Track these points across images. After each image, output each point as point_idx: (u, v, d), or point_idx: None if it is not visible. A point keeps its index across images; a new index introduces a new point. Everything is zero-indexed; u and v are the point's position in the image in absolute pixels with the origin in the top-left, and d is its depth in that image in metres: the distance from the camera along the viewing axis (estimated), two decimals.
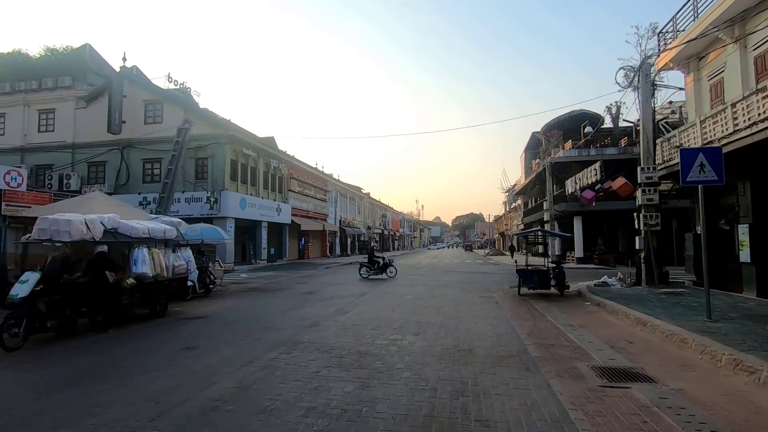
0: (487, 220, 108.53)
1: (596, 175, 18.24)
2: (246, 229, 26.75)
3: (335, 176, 47.81)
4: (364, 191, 66.70)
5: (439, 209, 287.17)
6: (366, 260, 18.56)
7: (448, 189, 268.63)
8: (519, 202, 50.69)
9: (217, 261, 15.58)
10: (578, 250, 27.30)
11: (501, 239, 67.54)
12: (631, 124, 28.39)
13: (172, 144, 16.53)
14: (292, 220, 30.84)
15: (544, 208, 27.86)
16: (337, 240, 42.93)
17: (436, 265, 28.02)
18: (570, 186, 21.98)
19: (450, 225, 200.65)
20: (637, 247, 13.32)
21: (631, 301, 9.82)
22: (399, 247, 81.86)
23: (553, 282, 11.92)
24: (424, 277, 18.98)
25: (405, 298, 11.74)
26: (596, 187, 21.04)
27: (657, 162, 13.39)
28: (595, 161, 21.79)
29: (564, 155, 27.08)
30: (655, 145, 13.51)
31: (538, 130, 36.81)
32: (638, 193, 13.15)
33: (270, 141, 32.51)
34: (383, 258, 18.84)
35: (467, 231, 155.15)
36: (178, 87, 25.71)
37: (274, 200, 29.04)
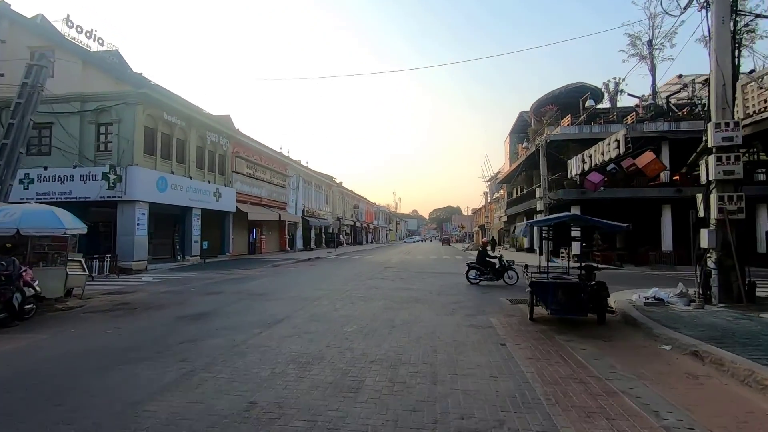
0: (465, 213, 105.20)
1: (617, 148, 13.85)
2: (172, 218, 21.37)
3: (304, 163, 42.56)
4: (336, 180, 61.71)
5: (416, 202, 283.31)
6: (474, 261, 13.83)
7: (426, 181, 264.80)
8: (502, 192, 46.64)
9: (78, 261, 10.39)
10: (575, 246, 23.11)
11: (480, 232, 63.70)
12: (638, 98, 24.40)
13: (19, 87, 11.15)
14: (237, 208, 25.57)
15: (537, 195, 23.55)
16: (299, 232, 37.77)
17: (408, 263, 23.38)
18: (575, 166, 17.65)
19: (427, 218, 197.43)
20: (703, 244, 8.90)
21: (748, 343, 5.35)
22: (373, 240, 77.21)
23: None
24: (390, 281, 14.24)
25: (343, 331, 6.92)
26: (609, 168, 16.79)
27: (738, 115, 8.98)
28: (599, 139, 17.57)
29: (562, 132, 22.77)
30: (734, 89, 9.09)
31: (527, 109, 32.57)
32: (709, 162, 8.71)
33: (224, 120, 27.11)
34: (500, 258, 13.82)
35: (444, 224, 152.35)
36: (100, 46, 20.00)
37: (212, 182, 23.69)
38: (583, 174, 17.34)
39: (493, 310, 8.84)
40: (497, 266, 13.40)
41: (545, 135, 22.12)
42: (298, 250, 36.94)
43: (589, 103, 23.00)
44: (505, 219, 43.19)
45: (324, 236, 45.64)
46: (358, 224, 62.63)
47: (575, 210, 22.99)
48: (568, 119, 23.49)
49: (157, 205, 19.04)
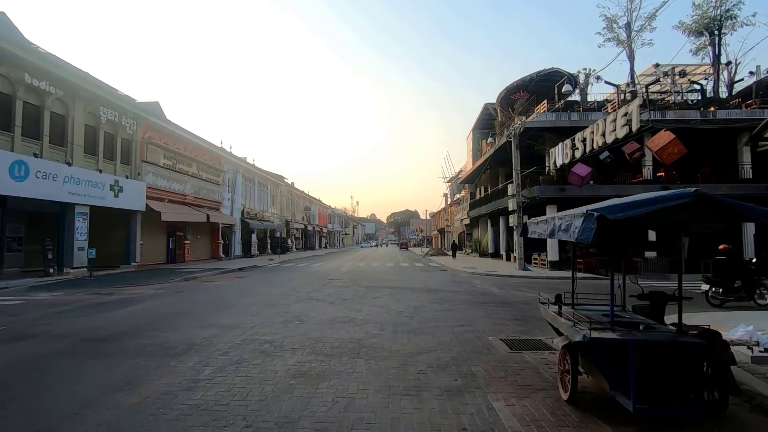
0: (423, 217, 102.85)
1: (626, 125, 10.63)
2: (43, 217, 16.18)
3: (251, 161, 37.54)
4: (288, 180, 56.93)
5: (375, 206, 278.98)
6: (711, 274, 9.94)
7: (385, 184, 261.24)
8: (464, 193, 43.84)
9: None
10: (552, 252, 20.17)
11: (440, 236, 60.99)
12: (615, 87, 21.95)
13: None
14: (147, 206, 20.53)
15: (509, 193, 20.39)
16: (236, 236, 32.78)
17: (360, 273, 19.42)
18: (560, 154, 14.52)
19: (385, 222, 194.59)
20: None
21: None
22: (327, 244, 72.60)
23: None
24: (327, 305, 10.17)
25: None
26: (603, 156, 13.69)
27: None
28: (580, 128, 14.60)
29: (538, 119, 19.74)
30: None
31: (493, 101, 29.69)
32: None
33: (151, 106, 22.02)
34: (754, 269, 9.72)
35: (403, 228, 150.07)
36: None
37: (110, 173, 18.59)
38: (571, 164, 14.21)
39: (487, 369, 5.04)
40: (746, 282, 9.59)
41: (518, 123, 19.01)
42: (236, 257, 31.95)
43: (566, 88, 20.19)
44: (467, 221, 40.32)
45: (269, 241, 40.72)
46: (310, 228, 57.91)
47: (551, 211, 20.00)
48: (544, 105, 20.57)
49: (16, 200, 13.93)
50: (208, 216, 25.92)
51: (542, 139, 20.25)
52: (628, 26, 22.55)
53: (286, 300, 10.84)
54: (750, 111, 19.79)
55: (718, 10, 21.26)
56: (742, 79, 21.58)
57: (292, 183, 59.80)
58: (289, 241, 45.10)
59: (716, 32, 21.79)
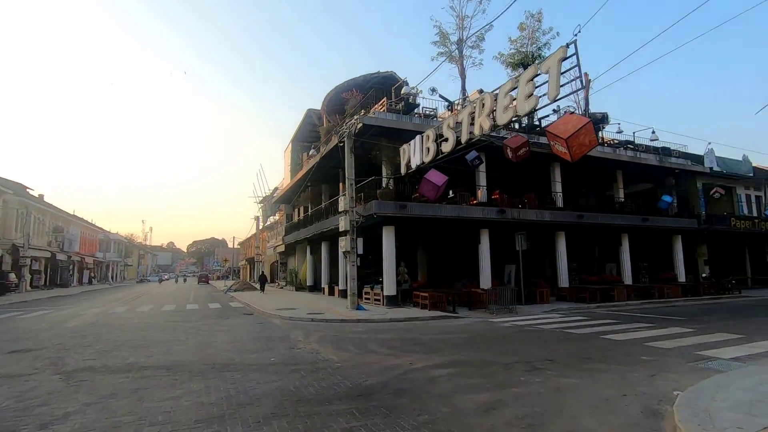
0: (231, 246, 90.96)
1: (513, 108, 7.10)
2: None
3: None
4: (35, 193, 40.67)
5: (174, 233, 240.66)
6: None
7: (187, 210, 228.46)
8: (279, 216, 37.91)
9: None
10: (388, 284, 16.25)
11: (248, 267, 52.83)
12: (450, 102, 20.35)
13: None
14: None
15: (340, 208, 15.80)
16: None
17: (102, 329, 11.47)
18: (418, 150, 10.66)
19: (185, 251, 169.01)
20: None
21: None
22: (93, 278, 54.97)
23: None
24: None
25: None
26: (471, 158, 10.36)
27: None
28: (420, 132, 11.42)
29: (377, 117, 15.98)
30: None
31: (317, 107, 25.43)
32: None
33: None
34: None
35: (206, 258, 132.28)
36: None
37: None
38: (427, 169, 10.47)
39: None
40: None
41: (355, 119, 14.89)
42: None
43: (406, 89, 17.24)
44: (281, 249, 34.37)
45: None
46: (61, 256, 41.92)
47: (388, 233, 16.23)
48: (383, 104, 17.09)
49: None
50: None
51: (378, 147, 16.60)
52: (459, 43, 21.79)
53: None
54: None
55: (532, 47, 22.29)
56: (548, 116, 23.03)
57: (41, 195, 43.04)
58: (12, 275, 30.32)
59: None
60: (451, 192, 16.38)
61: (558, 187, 20.56)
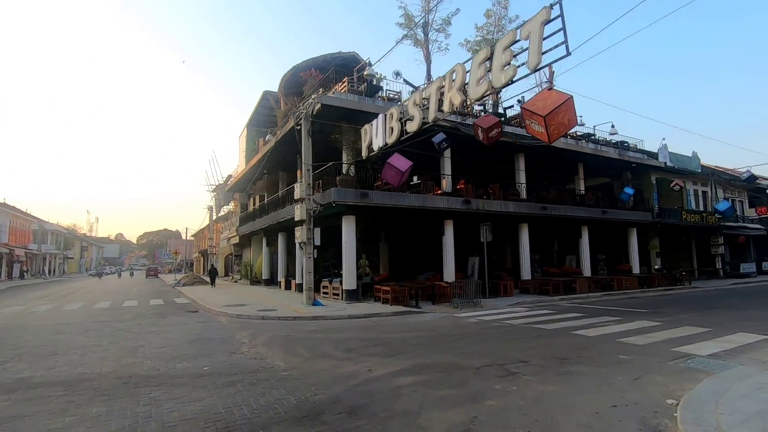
0: (185, 237, 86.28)
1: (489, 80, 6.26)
2: None
3: None
4: None
5: (124, 225, 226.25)
6: None
7: (139, 201, 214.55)
8: (234, 206, 35.84)
9: None
10: (348, 278, 15.24)
11: (202, 259, 50.11)
12: (415, 88, 19.43)
13: None
14: None
15: (296, 196, 14.58)
16: None
17: (9, 332, 9.72)
18: (380, 130, 9.67)
19: (136, 243, 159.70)
20: None
21: None
22: (26, 272, 50.25)
23: None
24: None
25: None
26: (438, 140, 9.54)
27: None
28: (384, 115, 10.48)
29: (337, 97, 14.81)
30: None
31: (275, 89, 23.84)
32: None
33: None
34: None
35: (158, 251, 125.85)
36: None
37: None
38: (391, 153, 9.50)
39: None
40: None
41: (312, 98, 13.67)
42: None
43: (369, 71, 16.15)
44: (236, 240, 32.46)
45: None
46: None
47: (348, 223, 15.23)
48: (344, 84, 15.91)
49: None
50: None
51: (338, 130, 15.45)
52: (425, 27, 20.92)
53: None
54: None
55: (498, 34, 21.79)
56: (512, 106, 22.68)
57: None
58: None
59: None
60: (416, 178, 15.49)
61: (522, 178, 20.26)
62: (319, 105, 13.56)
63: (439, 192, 17.28)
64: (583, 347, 7.51)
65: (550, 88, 6.97)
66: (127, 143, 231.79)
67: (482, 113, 19.65)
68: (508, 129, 19.24)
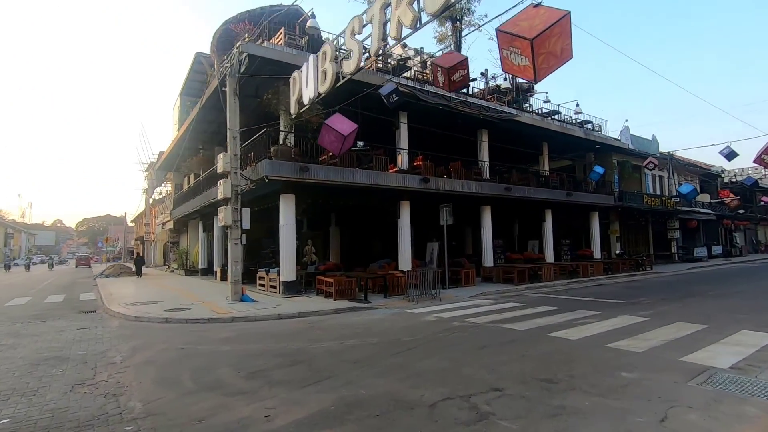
0: (130, 223, 79.51)
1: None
2: None
3: None
4: None
5: (65, 213, 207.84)
6: None
7: (79, 185, 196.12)
8: (170, 187, 32.17)
9: None
10: (286, 268, 12.90)
11: (140, 246, 45.70)
12: (365, 50, 17.08)
13: None
14: None
15: (220, 170, 12.01)
16: None
17: None
18: (310, 77, 7.41)
19: (75, 230, 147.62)
20: None
21: None
22: None
23: None
24: None
25: None
26: (387, 92, 7.51)
27: None
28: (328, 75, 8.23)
29: (271, 48, 12.27)
30: None
31: (207, 51, 20.67)
32: None
33: None
34: None
35: (100, 238, 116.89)
36: None
37: None
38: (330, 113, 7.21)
39: None
40: None
41: (237, 48, 11.06)
42: None
43: (312, 23, 13.64)
44: (171, 225, 29.05)
45: None
46: None
47: (287, 203, 12.88)
48: (280, 36, 13.32)
49: None
50: None
51: (276, 93, 12.90)
52: None
53: None
54: (495, 104, 18.58)
55: (462, 1, 19.78)
56: (475, 79, 20.85)
57: None
58: None
59: (458, 22, 20.50)
60: (361, 144, 13.23)
61: (485, 156, 18.57)
62: (245, 57, 10.94)
63: (395, 169, 15.20)
64: (570, 359, 5.73)
65: (538, 4, 4.98)
66: (61, 121, 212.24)
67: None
68: (471, 101, 17.41)
